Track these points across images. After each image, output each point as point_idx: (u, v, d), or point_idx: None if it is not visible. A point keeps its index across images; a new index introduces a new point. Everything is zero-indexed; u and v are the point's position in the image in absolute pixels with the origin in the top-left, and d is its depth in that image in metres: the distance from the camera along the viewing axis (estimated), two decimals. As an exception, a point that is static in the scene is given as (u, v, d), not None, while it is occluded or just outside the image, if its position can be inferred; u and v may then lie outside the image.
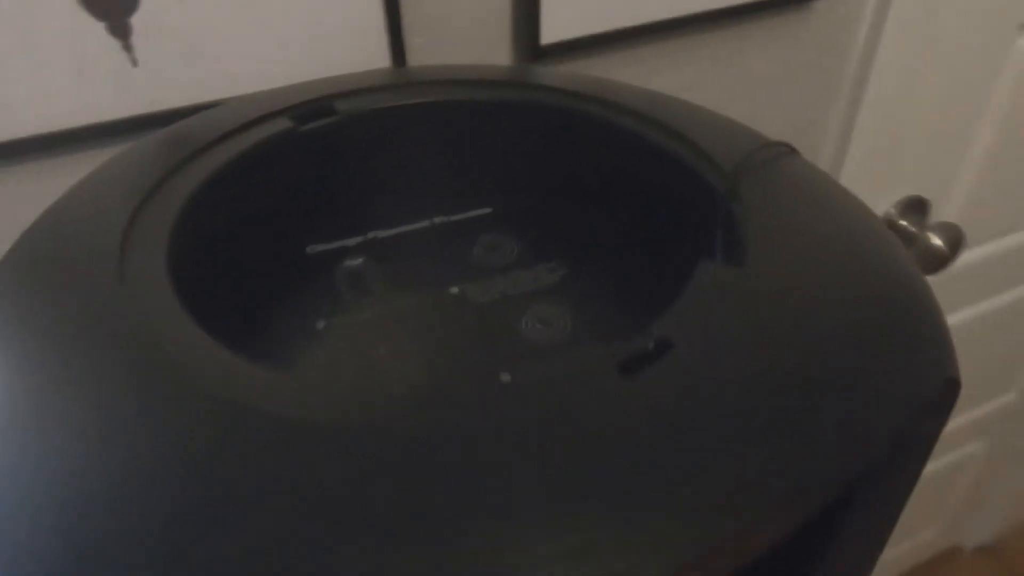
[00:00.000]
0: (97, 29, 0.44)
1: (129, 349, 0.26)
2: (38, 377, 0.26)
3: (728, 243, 0.31)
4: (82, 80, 0.45)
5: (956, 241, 0.88)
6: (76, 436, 0.24)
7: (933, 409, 0.28)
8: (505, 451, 0.22)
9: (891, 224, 0.89)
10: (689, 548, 0.21)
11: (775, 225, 0.31)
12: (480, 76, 0.42)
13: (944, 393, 0.28)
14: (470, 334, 0.35)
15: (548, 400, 0.24)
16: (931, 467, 1.20)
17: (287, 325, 0.35)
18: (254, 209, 0.37)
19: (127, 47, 0.45)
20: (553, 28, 0.55)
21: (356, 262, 0.38)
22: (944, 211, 0.92)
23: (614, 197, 0.40)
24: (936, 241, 0.87)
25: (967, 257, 0.96)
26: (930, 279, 0.32)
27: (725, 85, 0.68)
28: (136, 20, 0.45)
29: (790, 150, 0.37)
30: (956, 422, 1.22)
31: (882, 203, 0.87)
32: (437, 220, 0.41)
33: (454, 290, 0.37)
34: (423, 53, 0.54)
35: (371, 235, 0.40)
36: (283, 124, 0.37)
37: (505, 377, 0.32)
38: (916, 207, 0.89)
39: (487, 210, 0.41)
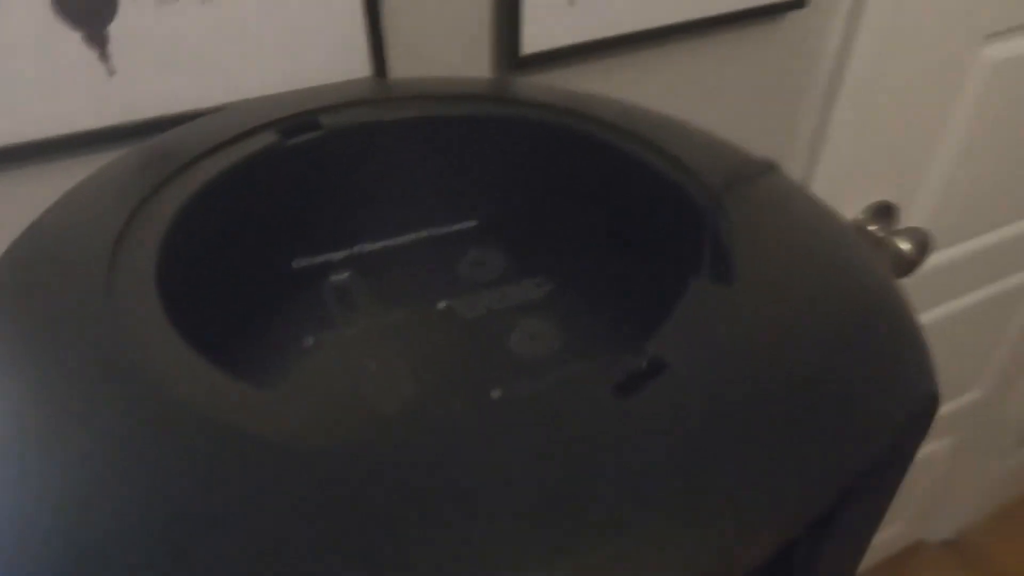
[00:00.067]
0: (73, 39, 0.43)
1: (115, 367, 0.26)
2: (21, 393, 0.26)
3: (715, 260, 0.31)
4: (57, 89, 0.44)
5: (924, 245, 0.90)
6: (52, 455, 0.24)
7: (915, 423, 0.29)
8: (498, 476, 0.22)
9: (860, 229, 0.90)
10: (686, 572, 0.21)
11: (761, 242, 0.31)
12: (464, 90, 0.43)
13: (926, 407, 0.29)
14: (459, 350, 0.35)
15: (543, 422, 0.24)
16: (898, 465, 1.22)
17: (275, 340, 0.35)
18: (240, 224, 0.36)
19: (104, 57, 0.45)
20: (533, 39, 0.56)
21: (343, 277, 0.38)
22: (912, 215, 0.94)
23: (598, 212, 0.40)
24: (904, 245, 0.89)
25: (934, 259, 0.99)
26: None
27: (701, 94, 0.69)
28: (113, 29, 0.44)
29: (772, 166, 0.37)
30: (922, 420, 1.24)
31: (852, 208, 0.89)
32: (423, 233, 0.41)
33: (441, 305, 0.37)
34: (404, 63, 0.54)
35: (357, 249, 0.40)
36: (269, 138, 0.37)
37: (496, 393, 0.32)
38: (885, 212, 0.91)
39: (472, 224, 0.41)
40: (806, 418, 0.25)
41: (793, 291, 0.30)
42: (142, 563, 0.21)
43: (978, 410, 1.34)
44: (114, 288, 0.29)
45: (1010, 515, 1.54)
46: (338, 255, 0.39)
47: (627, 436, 0.24)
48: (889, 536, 1.48)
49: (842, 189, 0.85)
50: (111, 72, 0.45)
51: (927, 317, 1.08)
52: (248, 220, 0.37)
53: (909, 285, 0.96)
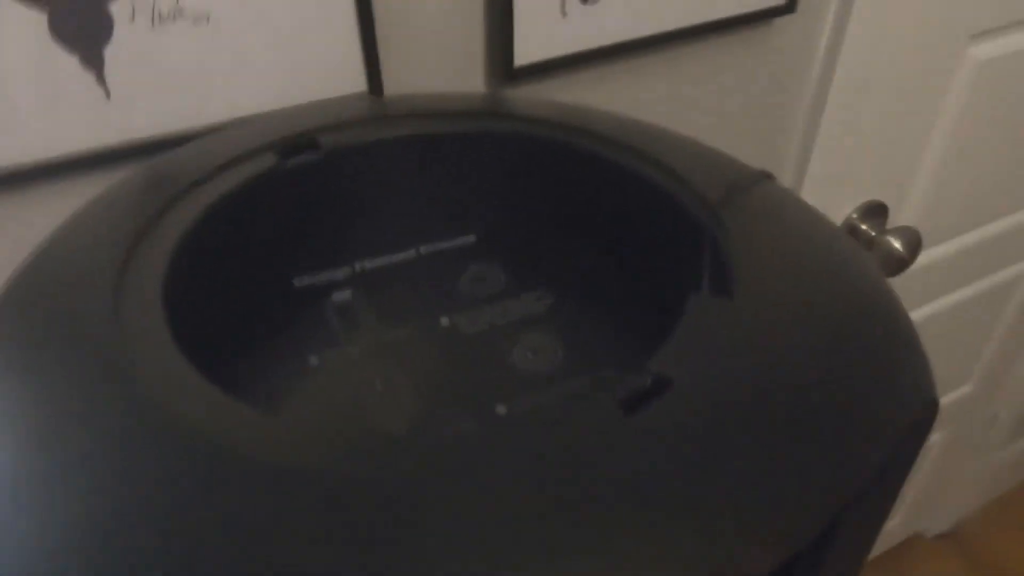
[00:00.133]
0: (70, 62, 0.43)
1: (124, 391, 0.26)
2: (30, 417, 0.26)
3: (715, 274, 0.32)
4: (55, 112, 0.44)
5: (914, 244, 0.91)
6: (58, 482, 0.24)
7: (916, 429, 0.29)
8: (506, 496, 0.23)
9: (852, 229, 0.91)
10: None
11: (759, 255, 0.32)
12: (460, 107, 0.43)
13: (926, 413, 0.29)
14: (462, 366, 0.35)
15: (550, 441, 0.24)
16: (893, 460, 1.23)
17: (280, 360, 0.35)
18: (243, 244, 0.37)
19: (100, 79, 0.45)
20: (526, 51, 0.56)
21: (345, 295, 0.38)
22: (901, 214, 0.95)
23: (597, 226, 0.40)
24: (895, 244, 0.90)
25: (924, 257, 0.99)
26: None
27: (692, 100, 0.69)
28: (109, 52, 0.44)
29: (767, 176, 0.38)
30: (916, 416, 1.25)
31: (843, 209, 0.90)
32: (423, 250, 0.41)
33: (444, 321, 0.37)
34: (399, 77, 0.54)
35: (358, 266, 0.40)
36: (269, 160, 0.37)
37: (501, 409, 0.33)
38: (875, 212, 0.92)
39: (471, 240, 0.42)
40: (810, 430, 0.26)
41: (793, 304, 0.30)
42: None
43: (970, 404, 1.35)
44: (122, 312, 0.29)
45: (1005, 507, 1.55)
46: (339, 273, 0.40)
47: (634, 454, 0.24)
48: (886, 530, 1.49)
49: (833, 190, 0.86)
50: (108, 94, 0.45)
51: (918, 314, 1.09)
52: (250, 240, 0.37)
53: (900, 283, 0.96)
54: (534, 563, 0.21)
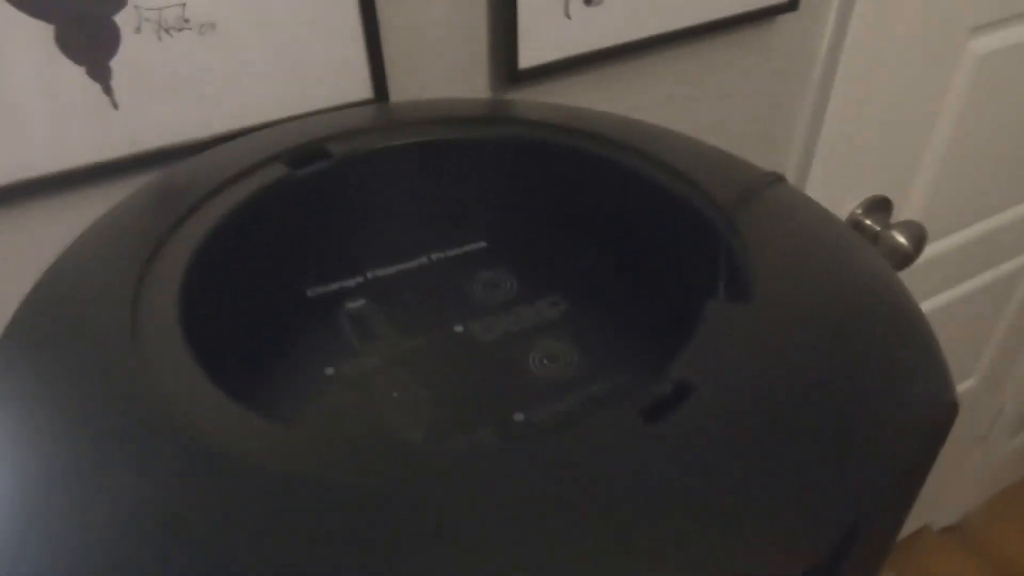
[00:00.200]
0: (77, 73, 0.43)
1: (145, 409, 0.26)
2: (51, 438, 0.26)
3: (731, 278, 0.32)
4: (61, 124, 0.44)
5: (919, 238, 0.91)
6: (82, 495, 0.24)
7: (937, 433, 0.29)
8: (530, 508, 0.23)
9: (856, 224, 0.91)
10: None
11: (775, 259, 0.32)
12: (469, 113, 0.43)
13: (947, 416, 0.29)
14: (478, 374, 0.35)
15: (573, 451, 0.24)
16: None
17: (296, 371, 0.35)
18: (255, 256, 0.36)
19: (107, 90, 0.45)
20: (530, 53, 0.56)
21: (358, 304, 0.38)
22: (905, 208, 0.95)
23: (609, 231, 0.40)
24: (900, 239, 0.90)
25: (927, 251, 0.99)
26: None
27: (695, 99, 0.69)
28: (116, 63, 0.44)
29: (779, 178, 0.38)
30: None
31: (847, 204, 0.90)
32: (434, 257, 0.41)
33: (458, 329, 0.37)
34: (404, 82, 0.54)
35: (370, 275, 0.40)
36: (278, 170, 0.37)
37: (519, 417, 0.33)
38: (880, 206, 0.92)
39: (483, 246, 0.42)
40: (833, 436, 0.26)
41: (810, 308, 0.30)
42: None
43: (975, 398, 1.35)
44: (139, 326, 0.29)
45: (1010, 500, 1.55)
46: (351, 282, 0.39)
47: (657, 463, 0.24)
48: (892, 524, 1.49)
49: (837, 186, 0.86)
50: (115, 105, 0.45)
51: (922, 308, 1.09)
52: (262, 251, 0.37)
53: (903, 277, 0.96)
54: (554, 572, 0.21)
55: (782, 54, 0.72)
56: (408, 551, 0.22)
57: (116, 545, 0.23)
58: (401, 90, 0.54)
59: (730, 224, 0.33)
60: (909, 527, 1.54)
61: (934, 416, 0.28)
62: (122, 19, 0.43)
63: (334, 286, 0.39)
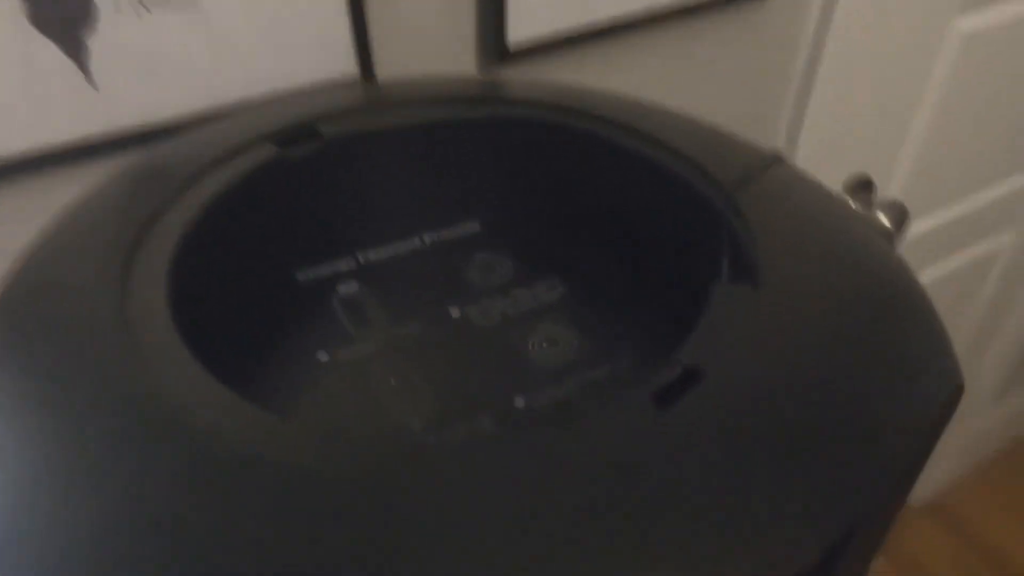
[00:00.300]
0: (53, 52, 0.42)
1: (138, 398, 0.25)
2: (39, 430, 0.25)
3: (735, 260, 0.31)
4: (38, 103, 0.43)
5: (901, 218, 0.91)
6: (72, 483, 0.23)
7: (945, 413, 0.29)
8: (540, 498, 0.22)
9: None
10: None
11: (779, 239, 0.31)
12: (460, 92, 0.42)
13: (954, 397, 0.29)
14: (476, 359, 0.34)
15: (583, 438, 0.24)
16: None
17: (289, 358, 0.34)
18: (244, 240, 0.35)
19: (85, 69, 0.43)
20: (519, 30, 0.55)
21: (351, 289, 0.37)
22: (887, 188, 0.95)
23: (607, 211, 0.39)
24: (883, 219, 0.90)
25: (910, 228, 1.00)
26: None
27: (683, 77, 0.69)
28: (93, 39, 0.42)
29: (779, 158, 0.37)
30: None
31: (832, 184, 0.89)
32: (427, 239, 0.40)
33: (455, 313, 0.36)
34: (390, 59, 0.53)
35: (362, 258, 0.39)
36: (268, 151, 0.36)
37: (519, 403, 0.32)
38: (862, 187, 0.92)
39: (477, 228, 0.41)
40: (849, 422, 0.25)
41: (817, 289, 0.29)
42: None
43: (953, 374, 1.36)
44: (126, 317, 0.28)
45: (987, 475, 1.58)
46: (343, 266, 0.38)
47: (670, 451, 0.23)
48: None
49: (823, 165, 0.86)
50: (93, 84, 0.44)
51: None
52: (251, 235, 0.36)
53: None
54: (568, 569, 0.21)
55: (771, 33, 0.71)
56: (412, 545, 0.21)
57: (107, 543, 0.22)
58: (387, 67, 0.53)
59: (732, 204, 0.33)
60: (887, 503, 1.56)
61: (944, 398, 0.28)
62: (99, -5, 0.41)
63: (325, 270, 0.38)
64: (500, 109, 0.41)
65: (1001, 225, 1.17)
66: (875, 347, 0.28)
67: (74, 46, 0.42)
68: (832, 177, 0.88)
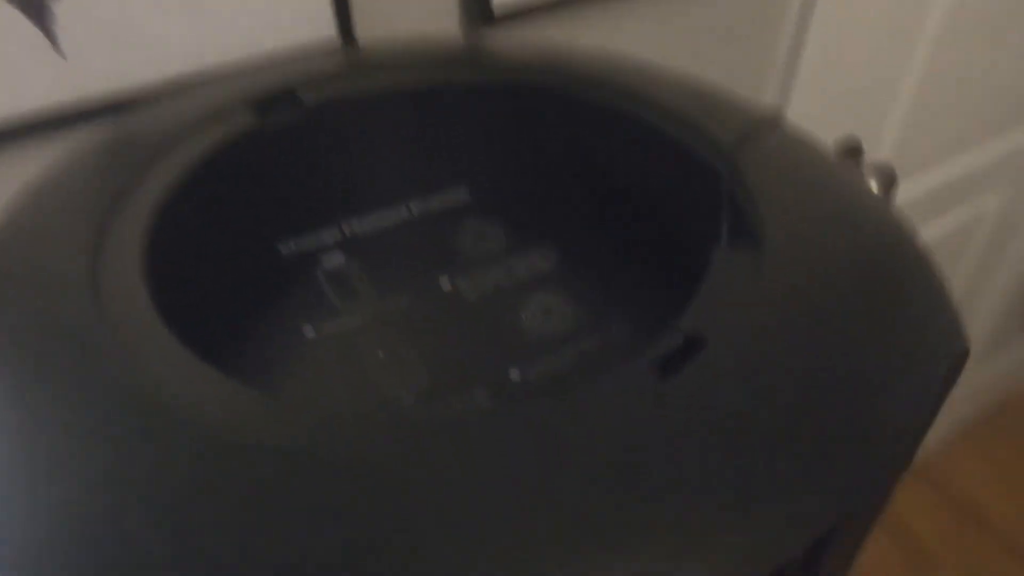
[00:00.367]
0: (15, 15, 0.40)
1: (113, 378, 0.24)
2: (13, 413, 0.24)
3: (736, 224, 0.30)
4: (5, 72, 0.41)
5: (889, 181, 0.91)
6: (46, 469, 0.22)
7: (950, 379, 0.28)
8: (540, 474, 0.21)
9: (830, 168, 0.90)
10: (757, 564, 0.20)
11: (781, 202, 0.30)
12: (445, 55, 0.40)
13: (960, 362, 0.28)
14: (469, 331, 0.33)
15: (583, 409, 0.23)
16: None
17: (274, 333, 0.33)
18: (223, 211, 0.34)
19: (49, 34, 0.41)
20: (504, -9, 0.53)
21: (337, 261, 0.36)
22: (875, 151, 0.94)
23: (600, 176, 0.38)
24: (871, 182, 0.89)
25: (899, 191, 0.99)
26: None
27: (673, 37, 0.67)
28: (58, 4, 0.40)
29: (777, 118, 0.36)
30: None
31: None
32: (414, 208, 0.39)
33: (444, 284, 0.35)
34: (370, 21, 0.51)
35: (348, 230, 0.38)
36: (246, 118, 0.35)
37: (515, 375, 0.31)
38: (852, 150, 0.91)
39: (466, 196, 0.39)
40: (854, 388, 0.24)
41: (820, 252, 0.29)
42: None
43: (939, 337, 1.37)
44: (101, 292, 0.26)
45: (971, 436, 1.60)
46: (328, 238, 0.37)
47: (672, 422, 0.22)
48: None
49: (813, 127, 0.85)
50: (60, 52, 0.41)
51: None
52: (230, 207, 0.35)
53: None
54: (571, 548, 0.20)
55: (760, -8, 0.70)
56: (407, 525, 0.20)
57: (84, 531, 0.21)
58: (368, 30, 0.51)
59: (732, 166, 0.32)
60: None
61: (951, 363, 0.27)
62: (63, -45, 0.39)
63: (309, 242, 0.37)
64: (486, 72, 0.39)
65: (986, 188, 1.17)
66: (880, 312, 0.27)
67: (38, 11, 0.40)
68: (824, 139, 0.88)
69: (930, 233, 1.14)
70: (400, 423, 0.24)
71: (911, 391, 0.25)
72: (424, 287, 0.35)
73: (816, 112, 0.83)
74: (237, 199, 0.35)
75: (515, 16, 0.55)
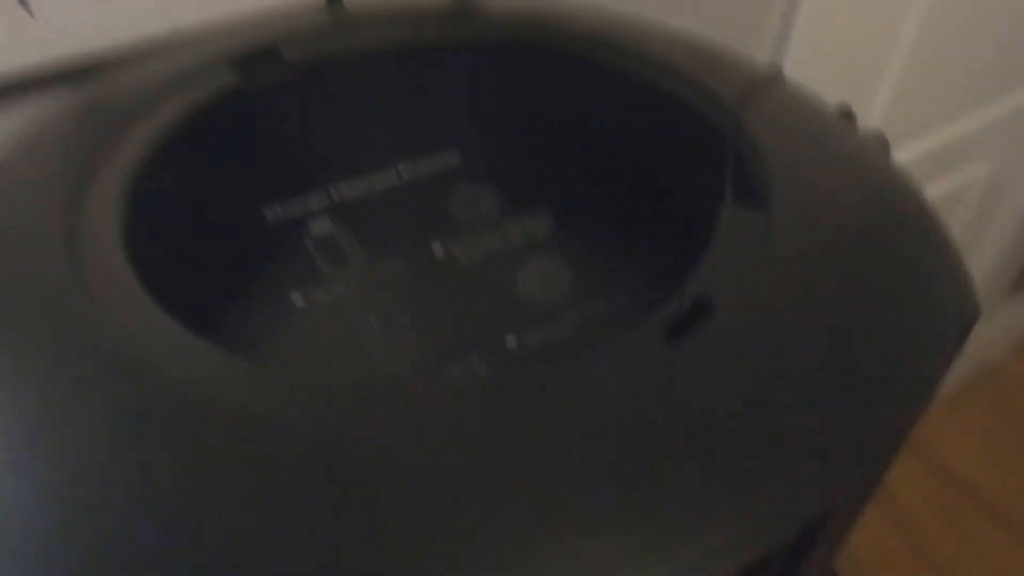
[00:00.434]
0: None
1: (96, 350, 0.23)
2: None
3: (743, 184, 0.29)
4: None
5: (883, 149, 0.90)
6: (23, 441, 0.21)
7: (960, 340, 0.27)
8: (542, 446, 0.20)
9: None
10: (772, 529, 0.19)
11: (788, 160, 0.29)
12: (437, 12, 0.38)
13: (970, 323, 0.27)
14: (463, 298, 0.32)
15: (592, 376, 0.22)
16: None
17: (262, 304, 0.31)
18: (205, 175, 0.32)
19: (19, -5, 0.39)
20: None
21: (325, 227, 0.35)
22: (866, 119, 0.94)
23: (596, 136, 0.37)
24: (864, 149, 0.89)
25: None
26: None
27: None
28: (26, -38, 0.38)
29: (779, 73, 0.35)
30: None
31: (812, 114, 0.87)
32: (404, 172, 0.38)
33: (437, 250, 0.34)
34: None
35: (334, 194, 0.36)
36: (227, 78, 0.33)
37: (511, 342, 0.30)
38: (845, 116, 0.90)
39: (458, 159, 0.38)
40: (865, 348, 0.24)
41: (829, 213, 0.28)
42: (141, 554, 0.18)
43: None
44: (78, 260, 0.25)
45: (954, 403, 1.61)
46: (315, 203, 0.36)
47: (684, 388, 0.21)
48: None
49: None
50: (28, 10, 0.39)
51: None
52: (212, 171, 0.33)
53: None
54: (580, 519, 0.19)
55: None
56: (404, 500, 0.19)
57: (64, 505, 0.20)
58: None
59: (736, 124, 0.30)
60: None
61: (962, 322, 0.27)
62: (28, -94, 0.37)
63: (296, 207, 0.35)
64: (477, 29, 0.38)
65: (975, 155, 1.16)
66: (892, 271, 0.26)
67: (3, -34, 0.38)
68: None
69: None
70: (394, 391, 0.23)
71: (925, 351, 0.25)
72: (416, 253, 0.34)
73: (808, 81, 0.82)
74: (220, 162, 0.33)
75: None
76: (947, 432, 1.53)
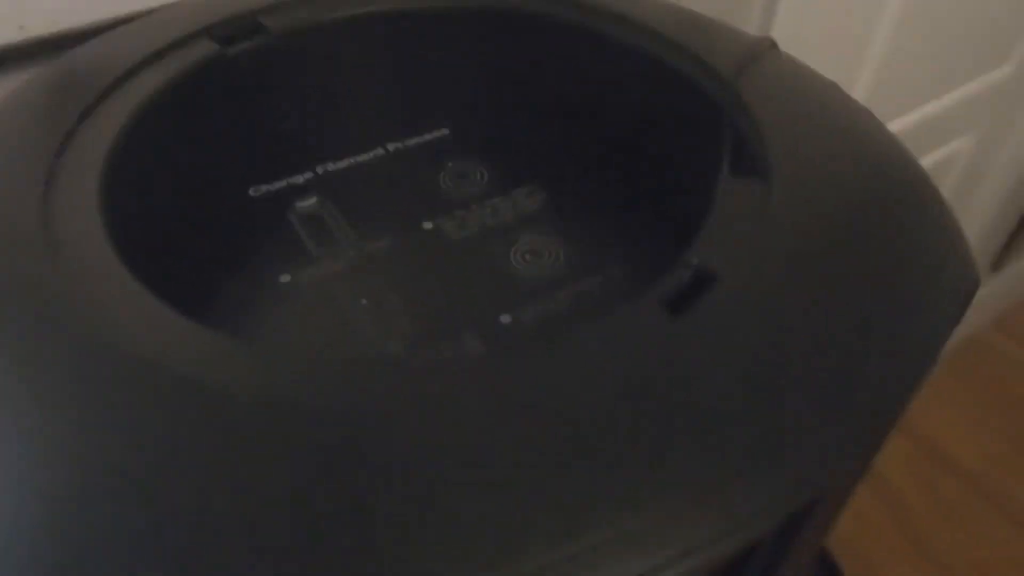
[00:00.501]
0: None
1: (72, 323, 0.22)
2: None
3: (740, 155, 0.28)
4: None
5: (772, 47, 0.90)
6: (9, 434, 0.20)
7: (959, 311, 0.27)
8: (540, 424, 0.19)
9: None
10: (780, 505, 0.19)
11: (785, 131, 0.28)
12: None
13: (970, 294, 0.27)
14: (454, 274, 0.32)
15: (592, 351, 0.21)
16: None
17: (249, 283, 0.31)
18: (185, 152, 0.31)
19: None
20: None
21: (311, 203, 0.34)
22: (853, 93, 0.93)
23: (589, 109, 0.36)
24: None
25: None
26: None
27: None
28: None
29: (773, 44, 0.34)
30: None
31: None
32: (391, 147, 0.37)
33: (427, 226, 0.33)
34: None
35: (320, 170, 0.35)
36: (206, 48, 0.32)
37: (505, 318, 0.29)
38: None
39: (446, 133, 0.37)
40: (869, 321, 0.23)
41: (829, 183, 0.27)
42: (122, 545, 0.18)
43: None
44: (55, 238, 0.24)
45: (936, 377, 1.62)
46: (300, 178, 0.35)
47: (687, 363, 0.21)
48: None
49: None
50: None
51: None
52: (193, 146, 0.32)
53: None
54: (573, 503, 0.18)
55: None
56: (399, 480, 0.18)
57: (49, 491, 0.19)
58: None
59: (733, 94, 0.30)
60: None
61: (963, 293, 0.26)
62: None
63: (280, 183, 0.34)
64: None
65: (956, 133, 1.17)
66: (893, 240, 0.26)
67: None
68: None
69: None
70: (387, 369, 0.22)
71: (927, 321, 0.24)
72: (405, 230, 0.33)
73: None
74: (201, 138, 0.32)
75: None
76: (930, 406, 1.54)
